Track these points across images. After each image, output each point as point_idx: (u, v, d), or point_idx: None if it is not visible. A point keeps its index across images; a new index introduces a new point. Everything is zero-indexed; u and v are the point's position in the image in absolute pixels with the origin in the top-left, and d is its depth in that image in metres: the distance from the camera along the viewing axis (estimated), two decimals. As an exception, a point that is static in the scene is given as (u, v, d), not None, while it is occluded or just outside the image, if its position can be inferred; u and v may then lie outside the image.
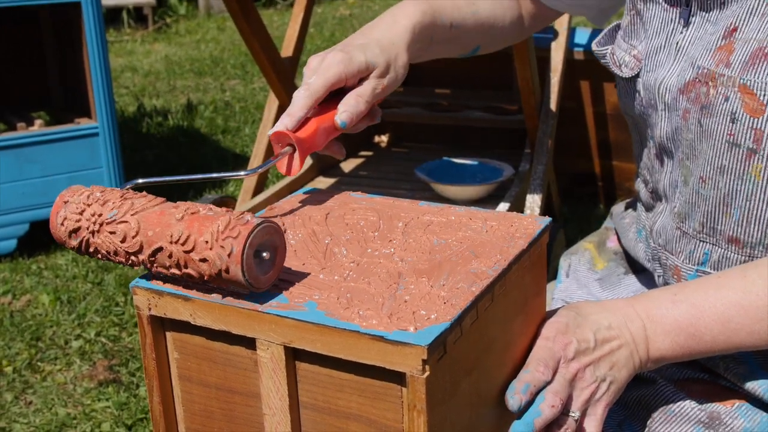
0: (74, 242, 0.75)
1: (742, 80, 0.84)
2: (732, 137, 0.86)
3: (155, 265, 0.72)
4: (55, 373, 1.82)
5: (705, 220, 0.92)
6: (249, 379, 0.75)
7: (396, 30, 0.99)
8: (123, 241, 0.72)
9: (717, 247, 0.91)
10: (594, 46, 1.07)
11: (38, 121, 2.43)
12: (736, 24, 0.86)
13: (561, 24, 2.16)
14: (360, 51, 0.92)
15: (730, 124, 0.86)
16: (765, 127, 0.84)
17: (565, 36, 2.15)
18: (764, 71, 0.83)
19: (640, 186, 1.13)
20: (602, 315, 0.85)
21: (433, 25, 1.04)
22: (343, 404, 0.70)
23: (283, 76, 2.26)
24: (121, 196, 0.74)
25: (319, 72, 0.89)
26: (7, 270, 2.31)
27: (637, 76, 0.99)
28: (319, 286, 0.73)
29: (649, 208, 1.06)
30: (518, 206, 2.02)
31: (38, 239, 2.44)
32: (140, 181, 0.81)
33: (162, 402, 0.81)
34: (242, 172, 0.85)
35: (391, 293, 0.70)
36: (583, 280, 1.23)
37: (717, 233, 0.90)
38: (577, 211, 2.54)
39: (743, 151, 0.86)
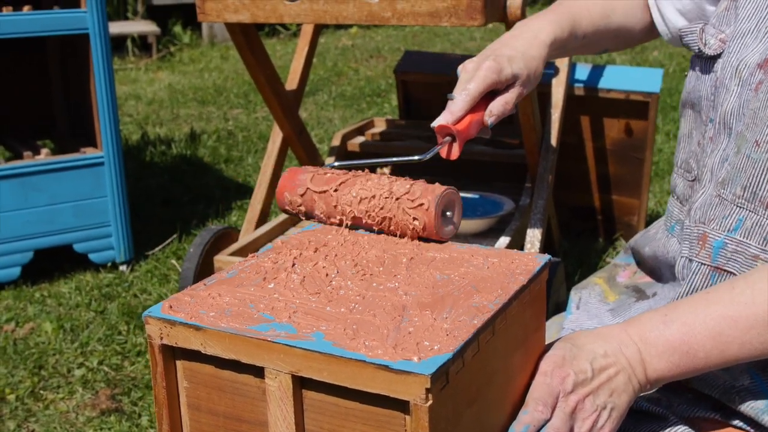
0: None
1: None
2: None
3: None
4: (57, 402, 1.83)
5: (748, 184, 0.94)
6: (257, 408, 0.77)
7: (536, 44, 1.10)
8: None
9: (753, 214, 0.93)
10: (681, 27, 1.12)
11: (44, 150, 2.45)
12: None
13: (561, 60, 2.19)
14: (508, 62, 1.05)
15: None
16: None
17: (565, 72, 2.19)
18: None
19: (677, 181, 1.16)
20: (597, 344, 0.87)
21: (568, 37, 1.15)
22: None
23: (287, 109, 2.29)
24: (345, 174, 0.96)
25: (476, 78, 1.02)
26: (10, 297, 2.32)
27: (719, 56, 1.03)
28: (326, 317, 0.75)
29: (685, 200, 1.09)
30: (518, 240, 2.04)
31: (42, 267, 2.45)
32: (336, 164, 1.02)
33: (171, 431, 0.83)
34: (415, 157, 1.04)
35: (396, 325, 0.73)
36: (594, 311, 1.24)
37: (756, 199, 0.93)
38: (576, 245, 2.56)
39: None
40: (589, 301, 1.26)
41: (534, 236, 1.97)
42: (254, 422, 0.79)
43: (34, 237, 2.38)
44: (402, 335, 0.71)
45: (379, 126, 2.69)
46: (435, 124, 1.04)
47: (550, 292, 1.85)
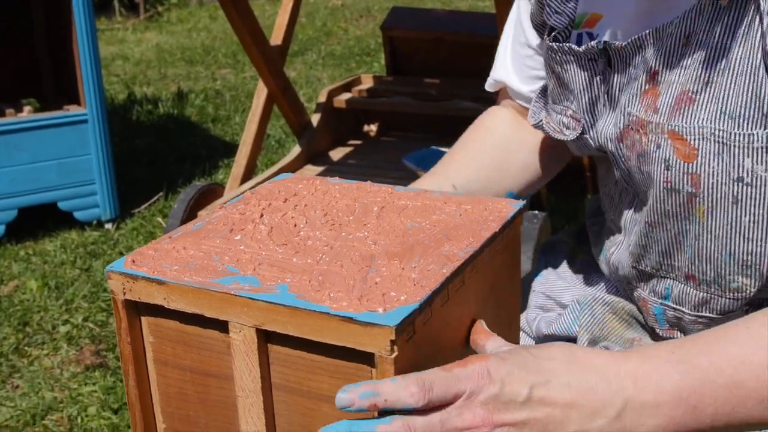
0: None
1: (670, 126, 0.82)
2: (669, 184, 0.84)
3: None
4: (42, 358, 1.83)
5: (661, 259, 0.90)
6: (223, 362, 0.75)
7: None
8: None
9: (677, 282, 0.90)
10: (529, 119, 1.03)
11: (27, 108, 2.43)
12: (657, 67, 0.84)
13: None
14: None
15: (666, 171, 0.83)
16: (700, 171, 0.81)
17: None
18: (691, 115, 0.81)
19: (603, 208, 1.12)
20: (567, 367, 0.64)
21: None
22: (315, 386, 0.70)
23: (272, 65, 2.26)
24: None
25: None
26: (-5, 256, 2.31)
27: (583, 133, 0.96)
28: (292, 269, 0.73)
29: (609, 234, 1.05)
30: (505, 195, 2.03)
31: (26, 225, 2.44)
32: None
33: (138, 386, 0.81)
34: None
35: (363, 276, 0.71)
36: (561, 271, 1.24)
37: (675, 269, 0.89)
38: (564, 201, 2.56)
39: (683, 195, 0.84)
40: (556, 263, 1.25)
41: (520, 191, 1.96)
42: (221, 376, 0.78)
43: (17, 195, 2.36)
44: (368, 286, 0.69)
45: (366, 83, 2.67)
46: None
47: (536, 246, 1.85)
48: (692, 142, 0.81)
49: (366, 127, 2.62)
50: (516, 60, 1.10)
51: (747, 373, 0.66)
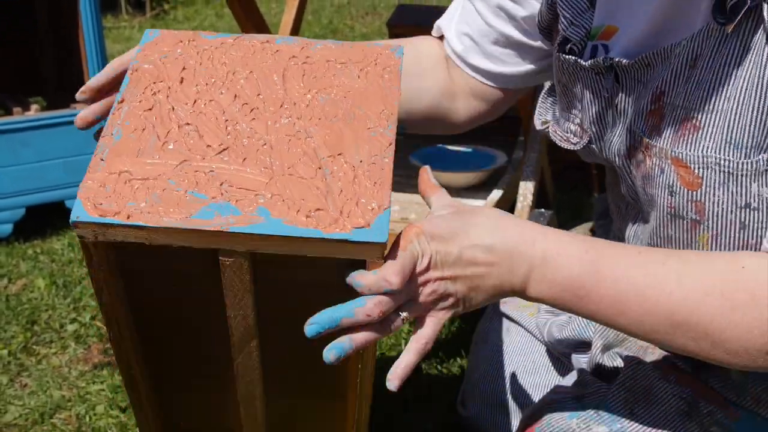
0: None
1: (673, 153, 0.81)
2: (673, 209, 0.84)
3: None
4: (50, 357, 1.84)
5: None
6: (203, 290, 0.78)
7: None
8: None
9: None
10: (535, 119, 1.04)
11: (34, 106, 2.43)
12: (663, 88, 0.83)
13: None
14: None
15: (669, 196, 0.83)
16: (704, 199, 0.80)
17: (559, 24, 2.16)
18: (695, 143, 0.80)
19: (611, 213, 1.11)
20: (491, 234, 0.78)
21: None
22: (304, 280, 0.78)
23: (279, 63, 2.26)
24: None
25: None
26: (3, 254, 2.32)
27: (590, 142, 0.96)
28: (254, 185, 0.74)
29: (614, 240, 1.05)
30: (512, 193, 2.03)
31: (34, 224, 2.44)
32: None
33: (119, 329, 0.82)
34: None
35: (324, 182, 0.75)
36: None
37: None
38: (571, 198, 2.55)
39: (687, 221, 0.83)
40: None
41: (527, 189, 1.96)
42: (198, 306, 0.81)
43: (25, 194, 2.36)
44: (336, 195, 0.74)
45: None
46: (77, 94, 0.93)
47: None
48: (696, 171, 0.80)
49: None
50: (462, 16, 1.09)
51: (635, 298, 0.76)
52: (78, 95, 0.90)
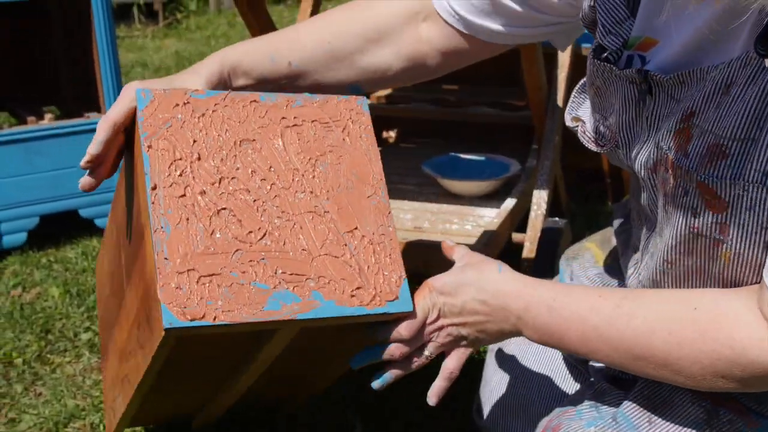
0: None
1: (699, 177, 0.80)
2: (696, 230, 0.84)
3: None
4: (64, 365, 1.84)
5: (680, 286, 0.90)
6: (245, 348, 0.93)
7: (196, 78, 0.99)
8: None
9: None
10: (566, 114, 1.03)
11: (48, 115, 2.44)
12: (694, 108, 0.82)
13: (569, 20, 2.15)
14: (163, 86, 0.95)
15: (692, 218, 0.83)
16: (729, 221, 0.80)
17: (573, 32, 2.15)
18: (722, 170, 0.79)
19: (632, 219, 1.10)
20: (485, 290, 0.94)
21: (255, 65, 1.03)
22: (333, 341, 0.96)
23: (292, 72, 2.26)
24: None
25: (116, 102, 0.95)
26: (17, 263, 2.33)
27: (617, 147, 0.95)
28: (301, 269, 0.85)
29: (633, 249, 1.05)
30: (525, 202, 2.02)
31: (48, 233, 2.45)
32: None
33: (157, 371, 0.91)
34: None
35: (354, 259, 0.88)
36: (586, 282, 1.23)
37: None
38: (584, 207, 2.55)
39: (709, 240, 0.83)
40: (580, 273, 1.25)
41: (541, 197, 1.95)
42: (221, 354, 0.93)
43: (39, 202, 2.37)
44: (366, 271, 0.88)
45: (385, 89, 2.67)
46: (82, 163, 0.95)
47: (558, 252, 1.84)
48: (723, 196, 0.80)
49: (385, 134, 2.62)
50: None
51: (597, 338, 0.88)
52: (83, 165, 0.94)
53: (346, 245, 0.89)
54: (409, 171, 2.25)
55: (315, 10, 2.35)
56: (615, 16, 0.91)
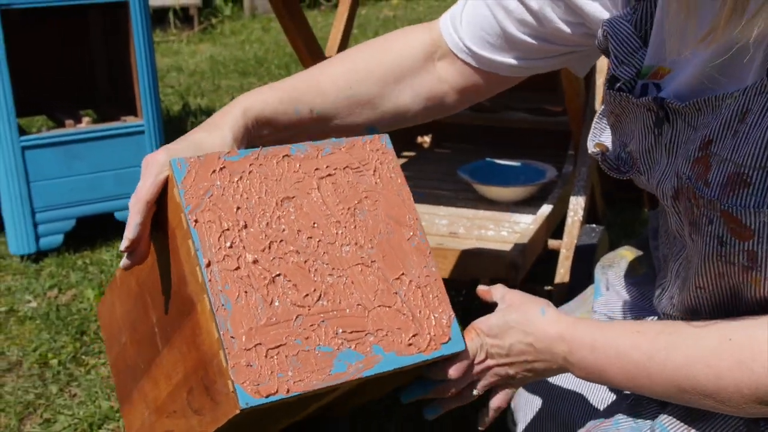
0: None
1: (723, 206, 0.80)
2: (724, 258, 0.83)
3: None
4: (98, 367, 1.85)
5: (716, 312, 0.90)
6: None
7: (220, 134, 0.97)
8: None
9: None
10: (589, 144, 1.02)
11: (86, 119, 2.46)
12: (711, 137, 0.81)
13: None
14: (189, 151, 0.92)
15: (719, 246, 0.83)
16: (758, 249, 0.80)
17: (611, 37, 2.13)
18: (746, 198, 0.78)
19: (660, 236, 1.09)
20: (527, 337, 0.97)
21: (277, 114, 1.02)
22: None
23: (327, 76, 2.26)
24: None
25: (144, 176, 0.90)
26: (53, 264, 2.35)
27: (639, 173, 0.94)
28: (358, 324, 0.89)
29: (661, 267, 1.04)
30: (561, 208, 2.00)
31: (84, 235, 2.47)
32: None
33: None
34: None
35: (406, 305, 0.91)
36: (623, 291, 1.22)
37: (736, 312, 0.88)
38: (620, 214, 2.52)
39: (738, 267, 0.83)
40: (616, 282, 1.23)
41: (577, 204, 1.93)
42: (291, 410, 0.96)
43: (76, 205, 2.39)
44: (418, 316, 0.91)
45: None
46: (122, 247, 0.92)
47: (594, 259, 1.82)
48: (749, 225, 0.79)
49: (420, 138, 2.61)
50: (475, 17, 1.06)
51: (640, 373, 0.89)
52: (123, 250, 0.91)
53: (396, 293, 0.91)
54: (445, 176, 2.24)
55: (351, 17, 2.34)
56: (627, 47, 0.91)
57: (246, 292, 0.83)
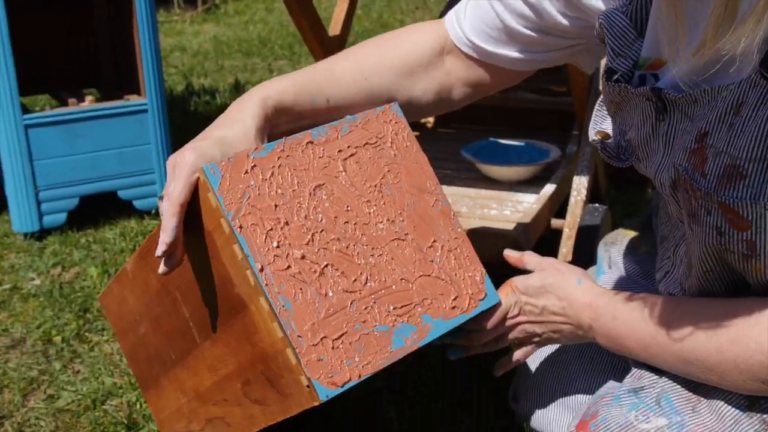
0: None
1: (720, 198, 0.81)
2: (722, 247, 0.85)
3: None
4: (102, 344, 1.86)
5: (728, 291, 0.91)
6: None
7: (242, 126, 0.97)
8: None
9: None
10: (590, 132, 1.04)
11: (89, 98, 2.46)
12: (707, 129, 0.82)
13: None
14: (215, 147, 0.93)
15: (718, 236, 0.84)
16: (756, 238, 0.81)
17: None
18: (742, 190, 0.80)
19: (660, 219, 1.10)
20: (561, 302, 1.03)
21: (303, 104, 1.03)
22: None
23: (331, 55, 2.25)
24: None
25: (177, 178, 0.89)
26: (57, 243, 2.35)
27: (638, 160, 0.96)
28: (406, 298, 0.92)
29: (662, 248, 1.06)
30: (565, 188, 2.00)
31: (87, 213, 2.48)
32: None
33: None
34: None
35: (443, 271, 0.96)
36: (625, 269, 1.22)
37: (748, 293, 0.90)
38: (624, 194, 2.51)
39: (738, 256, 0.84)
40: (619, 260, 1.24)
41: (581, 183, 1.93)
42: None
43: (79, 183, 2.39)
44: (455, 279, 0.97)
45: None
46: (158, 252, 0.90)
47: (597, 238, 1.82)
48: (746, 216, 0.80)
49: (423, 119, 2.61)
50: (477, 11, 1.08)
51: (651, 342, 0.94)
52: (160, 255, 0.89)
53: (431, 261, 0.96)
54: (448, 156, 2.23)
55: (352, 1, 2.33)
56: (623, 39, 0.92)
57: (301, 289, 0.86)
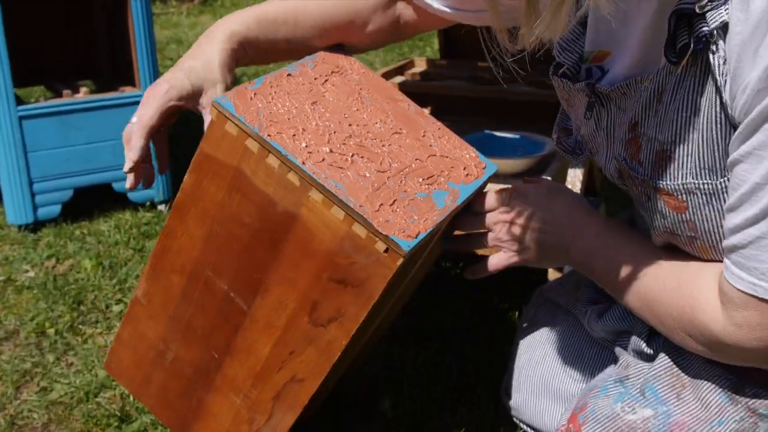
0: None
1: (655, 183, 0.86)
2: (669, 229, 0.90)
3: None
4: (95, 336, 1.85)
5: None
6: None
7: (209, 58, 1.07)
8: None
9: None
10: (554, 132, 1.12)
11: (84, 89, 2.45)
12: (636, 118, 0.87)
13: None
14: (185, 79, 1.03)
15: (662, 219, 0.89)
16: (694, 219, 0.85)
17: (611, 9, 2.11)
18: (673, 173, 0.84)
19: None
20: (560, 213, 1.05)
21: (257, 40, 1.13)
22: None
23: (326, 47, 2.24)
24: None
25: (147, 104, 1.00)
26: (51, 235, 2.35)
27: (591, 154, 1.02)
28: (429, 172, 1.00)
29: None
30: (560, 180, 1.99)
31: (82, 205, 2.47)
32: None
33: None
34: None
35: (444, 151, 1.08)
36: None
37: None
38: (618, 188, 2.51)
39: (684, 239, 0.89)
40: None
41: (575, 176, 1.92)
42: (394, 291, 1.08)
43: (74, 175, 2.39)
44: (459, 157, 1.08)
45: (419, 66, 2.65)
46: (125, 168, 1.03)
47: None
48: (680, 197, 0.85)
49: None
50: None
51: (620, 274, 0.97)
52: (126, 171, 1.02)
53: (431, 145, 1.06)
54: (442, 148, 2.22)
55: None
56: (569, 34, 0.95)
57: (342, 173, 0.92)
